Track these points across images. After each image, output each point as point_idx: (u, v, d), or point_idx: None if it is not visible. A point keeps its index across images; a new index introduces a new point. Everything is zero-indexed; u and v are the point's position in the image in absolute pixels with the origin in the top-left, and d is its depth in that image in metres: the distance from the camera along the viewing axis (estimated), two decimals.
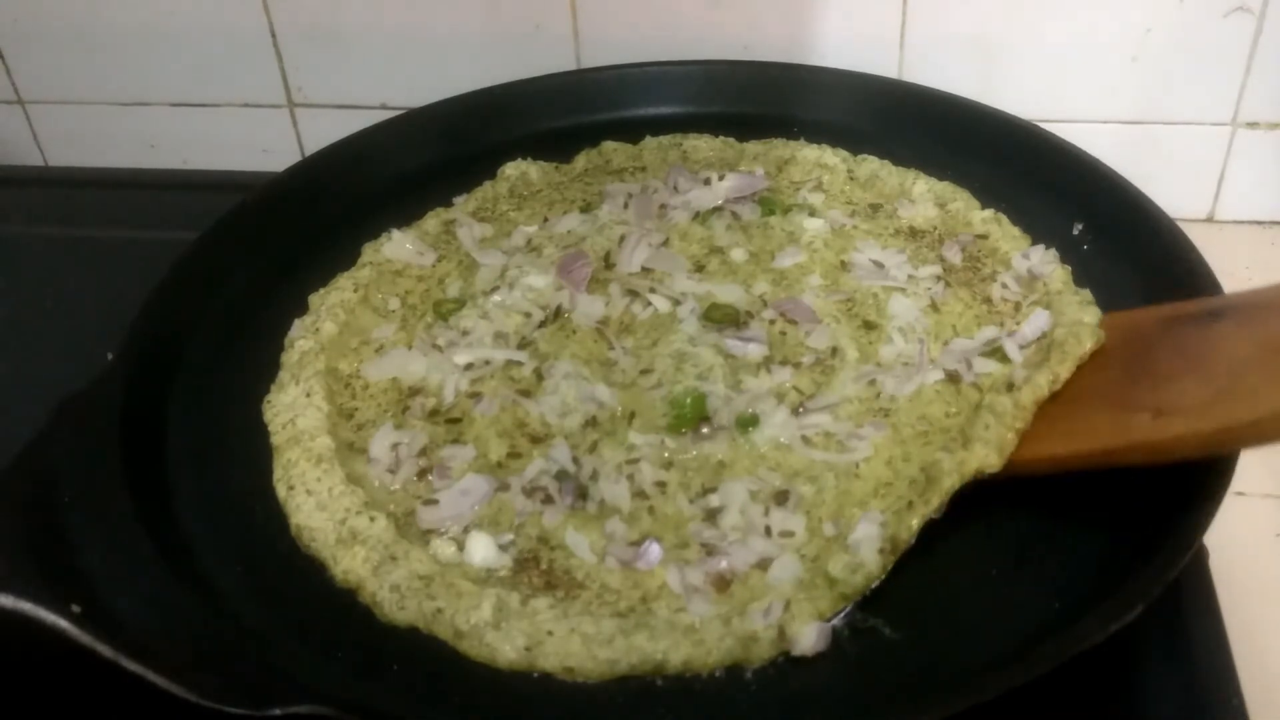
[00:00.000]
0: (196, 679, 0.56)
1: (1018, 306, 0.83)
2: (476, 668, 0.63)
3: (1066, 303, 0.80)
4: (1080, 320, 0.77)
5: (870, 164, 0.97)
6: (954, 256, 0.87)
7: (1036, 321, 0.79)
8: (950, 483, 0.67)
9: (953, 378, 0.77)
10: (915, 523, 0.66)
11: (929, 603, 0.65)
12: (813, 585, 0.64)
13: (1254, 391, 0.62)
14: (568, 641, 0.62)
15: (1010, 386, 0.74)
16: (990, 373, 0.77)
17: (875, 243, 0.89)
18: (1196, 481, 0.65)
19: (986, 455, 0.68)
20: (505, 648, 0.62)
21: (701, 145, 1.01)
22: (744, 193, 0.93)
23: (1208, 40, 1.02)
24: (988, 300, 0.84)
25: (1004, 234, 0.89)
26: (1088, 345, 0.74)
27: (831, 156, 0.98)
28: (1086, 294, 0.81)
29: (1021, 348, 0.78)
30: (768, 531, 0.68)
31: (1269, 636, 0.70)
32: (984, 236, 0.89)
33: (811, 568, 0.66)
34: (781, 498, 0.70)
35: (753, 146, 1.00)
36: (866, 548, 0.65)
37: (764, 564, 0.66)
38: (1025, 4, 1.03)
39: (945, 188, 0.93)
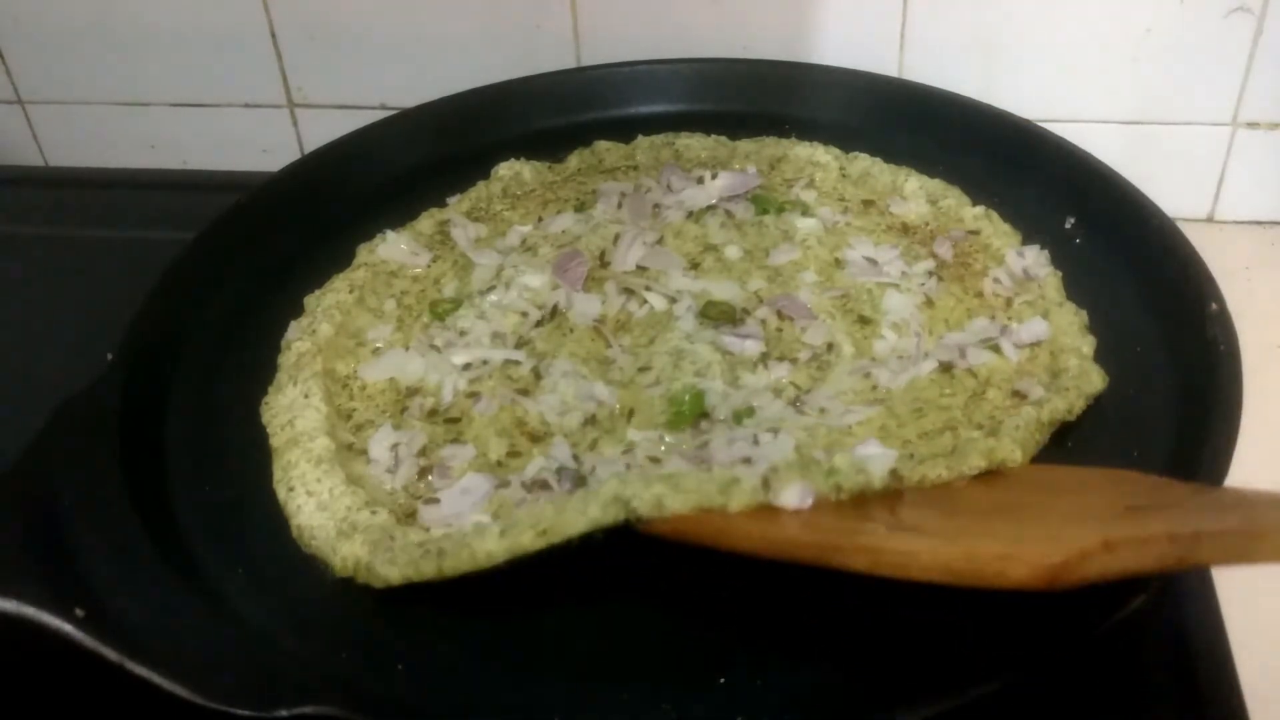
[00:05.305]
0: (203, 681, 0.56)
1: (1009, 302, 0.83)
2: (483, 666, 0.63)
3: (1064, 321, 0.80)
4: (1080, 350, 0.77)
5: (862, 161, 0.97)
6: (945, 253, 0.87)
7: (1034, 328, 0.79)
8: (976, 463, 0.67)
9: (946, 367, 0.77)
10: (925, 473, 0.66)
11: (930, 594, 0.65)
12: (804, 466, 0.64)
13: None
14: (538, 510, 0.63)
15: (1017, 394, 0.74)
16: (985, 363, 0.77)
17: (868, 239, 0.89)
18: (1195, 473, 0.65)
19: (1012, 450, 0.68)
20: (483, 540, 0.63)
21: (694, 144, 1.01)
22: (737, 191, 0.93)
23: (1208, 40, 1.02)
24: (979, 294, 0.84)
25: (995, 230, 0.88)
26: (1098, 387, 0.74)
27: (823, 154, 0.98)
28: (1083, 315, 0.80)
29: (1017, 346, 0.78)
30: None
31: (1269, 636, 0.70)
32: (975, 233, 0.89)
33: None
34: None
35: (745, 145, 1.00)
36: (876, 465, 0.64)
37: None
38: (1026, 4, 1.03)
39: (937, 185, 0.93)
